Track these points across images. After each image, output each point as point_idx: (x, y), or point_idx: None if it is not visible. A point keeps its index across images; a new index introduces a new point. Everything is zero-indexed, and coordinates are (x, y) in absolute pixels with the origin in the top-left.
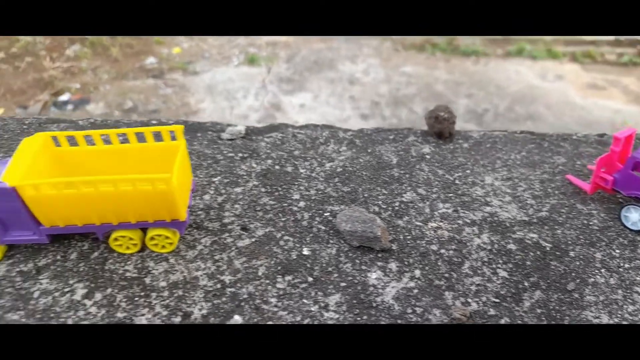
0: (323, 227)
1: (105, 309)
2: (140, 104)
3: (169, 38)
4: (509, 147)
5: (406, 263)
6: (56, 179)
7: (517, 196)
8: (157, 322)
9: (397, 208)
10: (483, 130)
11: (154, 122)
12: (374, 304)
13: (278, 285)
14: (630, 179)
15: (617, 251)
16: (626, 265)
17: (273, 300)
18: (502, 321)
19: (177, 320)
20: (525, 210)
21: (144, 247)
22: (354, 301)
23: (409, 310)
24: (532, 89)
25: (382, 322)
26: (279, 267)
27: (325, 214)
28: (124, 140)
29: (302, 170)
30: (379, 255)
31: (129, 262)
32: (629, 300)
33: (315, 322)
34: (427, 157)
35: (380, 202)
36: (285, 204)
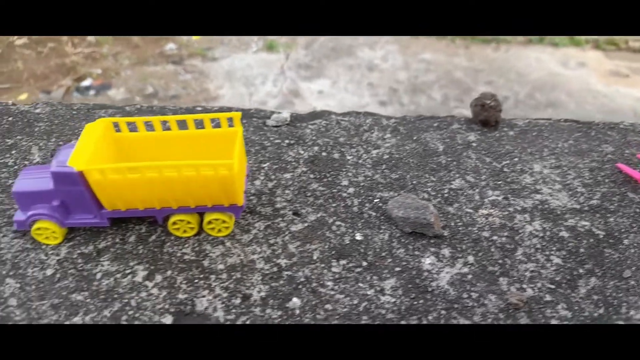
0: (374, 213)
1: (166, 290)
2: (161, 90)
3: None
4: (555, 135)
5: (459, 249)
6: (122, 164)
7: (567, 184)
8: (218, 304)
9: (446, 195)
10: (528, 119)
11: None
12: (430, 289)
13: (333, 269)
14: None
15: None
16: None
17: (329, 283)
18: (559, 307)
19: (237, 302)
20: (575, 198)
21: (199, 231)
22: (410, 285)
23: (465, 295)
24: (553, 77)
25: (439, 307)
26: (333, 252)
27: (375, 200)
28: (167, 128)
29: (349, 157)
30: (432, 241)
31: (186, 245)
32: None
33: (373, 306)
34: (474, 144)
35: (429, 189)
36: (335, 190)
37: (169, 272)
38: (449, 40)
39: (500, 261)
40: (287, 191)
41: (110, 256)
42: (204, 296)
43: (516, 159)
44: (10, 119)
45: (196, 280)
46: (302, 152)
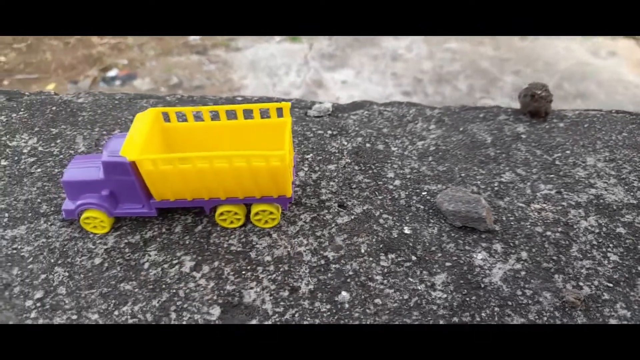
0: (422, 206)
1: (214, 281)
2: (185, 80)
3: None
4: (608, 127)
5: (511, 244)
6: (174, 154)
7: (622, 178)
8: (266, 296)
9: (496, 188)
10: (578, 110)
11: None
12: (482, 285)
13: (382, 263)
14: None
15: None
16: None
17: (378, 277)
18: (618, 306)
19: (285, 294)
20: (632, 193)
21: (245, 222)
22: (461, 281)
23: (519, 292)
24: (582, 66)
25: (492, 304)
26: (381, 245)
27: (423, 193)
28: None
29: (393, 149)
30: (483, 236)
31: (232, 236)
32: None
33: (424, 301)
34: (523, 136)
35: (478, 182)
36: (381, 182)
37: (216, 263)
38: None
39: (554, 257)
40: (331, 183)
41: (157, 246)
42: (251, 288)
43: (568, 152)
44: (54, 108)
45: (243, 272)
46: (345, 143)
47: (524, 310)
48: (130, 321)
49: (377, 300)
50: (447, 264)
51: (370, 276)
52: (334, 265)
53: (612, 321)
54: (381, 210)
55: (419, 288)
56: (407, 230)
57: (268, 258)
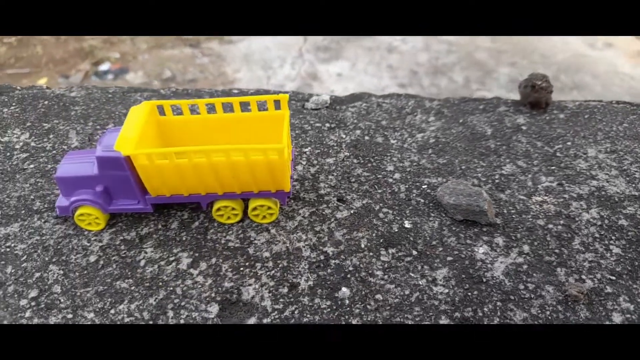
0: (422, 200)
1: (211, 278)
2: (179, 74)
3: None
4: (608, 118)
5: (513, 238)
6: (170, 148)
7: (623, 169)
8: (265, 293)
9: (497, 181)
10: (579, 101)
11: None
12: (484, 279)
13: (382, 258)
14: None
15: None
16: None
17: (379, 273)
18: (621, 299)
19: (284, 291)
20: (634, 185)
21: (243, 217)
22: (463, 276)
23: (521, 287)
24: (578, 58)
25: (494, 298)
26: (381, 240)
27: (423, 186)
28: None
29: (393, 141)
30: (484, 229)
31: (230, 232)
32: None
33: (425, 297)
34: (523, 128)
35: (479, 174)
36: (380, 176)
37: (213, 260)
38: None
39: (557, 251)
40: (330, 177)
41: (153, 243)
42: (250, 285)
43: (569, 143)
44: (46, 102)
45: (242, 269)
46: (344, 136)
47: (527, 305)
48: (127, 320)
49: (378, 296)
50: (449, 258)
51: (370, 271)
52: (333, 261)
53: (615, 314)
54: (381, 204)
55: (420, 283)
56: (407, 225)
57: (267, 254)
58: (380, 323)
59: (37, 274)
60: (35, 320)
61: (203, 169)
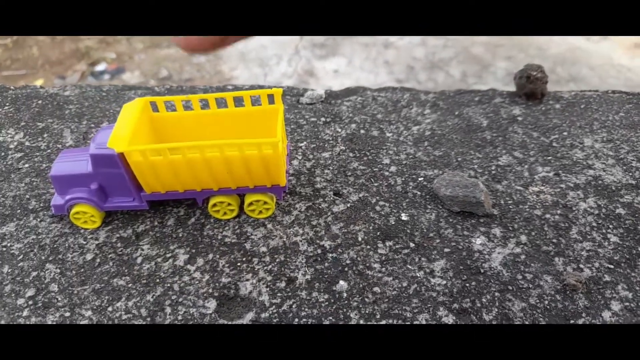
0: (418, 192)
1: (209, 274)
2: (175, 73)
3: None
4: (604, 107)
5: (510, 228)
6: (163, 144)
7: (620, 158)
8: (263, 287)
9: (494, 172)
10: (574, 91)
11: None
12: (482, 270)
13: (379, 251)
14: None
15: None
16: None
17: (376, 265)
18: (619, 287)
19: (281, 285)
20: (631, 173)
21: (239, 213)
22: (461, 267)
23: (519, 277)
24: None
25: (492, 289)
26: (378, 233)
27: (420, 179)
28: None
29: (388, 134)
30: (481, 220)
31: (226, 228)
32: None
33: (423, 288)
34: (519, 119)
35: (475, 166)
36: (376, 169)
37: (210, 256)
38: None
39: (554, 240)
40: (326, 171)
41: (150, 240)
42: (247, 280)
43: (565, 133)
44: (39, 102)
45: (239, 264)
46: (339, 130)
47: (525, 295)
48: (124, 317)
49: (376, 289)
50: (446, 250)
51: (368, 264)
52: (330, 255)
53: (614, 303)
54: (377, 198)
55: (418, 275)
56: (404, 217)
57: (263, 249)
58: (379, 316)
59: (34, 273)
60: (33, 319)
61: (197, 165)
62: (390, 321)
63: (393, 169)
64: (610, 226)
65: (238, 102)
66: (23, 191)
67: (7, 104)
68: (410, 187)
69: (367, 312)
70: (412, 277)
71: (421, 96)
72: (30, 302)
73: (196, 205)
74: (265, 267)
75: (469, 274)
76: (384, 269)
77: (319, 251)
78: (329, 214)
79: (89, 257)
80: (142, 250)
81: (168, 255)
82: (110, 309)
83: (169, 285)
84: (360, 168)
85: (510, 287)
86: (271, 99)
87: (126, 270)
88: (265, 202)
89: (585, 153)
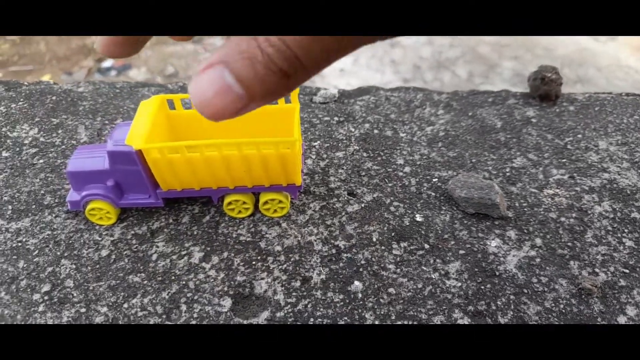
0: (433, 193)
1: (224, 272)
2: (181, 70)
3: None
4: (619, 110)
5: (525, 231)
6: (181, 142)
7: (635, 162)
8: (278, 286)
9: (508, 174)
10: (588, 93)
11: None
12: (497, 273)
13: (394, 252)
14: None
15: None
16: None
17: (391, 266)
18: (634, 292)
19: (296, 284)
20: None
21: (254, 211)
22: (476, 269)
23: (534, 280)
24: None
25: (508, 292)
26: (393, 233)
27: (434, 180)
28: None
29: (402, 135)
30: (496, 222)
31: (241, 226)
32: None
33: (438, 290)
34: (533, 120)
35: (489, 167)
36: (390, 169)
37: (225, 254)
38: None
39: (569, 244)
40: (340, 170)
41: (165, 237)
42: (262, 278)
43: (580, 136)
44: (54, 98)
45: (254, 262)
46: (352, 129)
47: (540, 298)
48: (140, 314)
49: (391, 290)
50: (461, 251)
51: (382, 265)
52: (345, 255)
53: (630, 308)
54: (392, 198)
55: (433, 277)
56: (418, 218)
57: (278, 248)
58: (394, 317)
59: (50, 269)
60: (49, 315)
61: (215, 163)
62: (406, 322)
63: (407, 169)
64: (626, 230)
65: None
66: (38, 187)
67: (22, 100)
68: (425, 188)
69: (382, 312)
70: (427, 278)
71: (434, 96)
72: (46, 298)
73: (211, 203)
74: (280, 266)
75: (484, 277)
76: (398, 270)
77: (334, 251)
78: (343, 213)
79: (104, 253)
80: (157, 247)
81: (183, 253)
82: (125, 305)
83: (184, 282)
84: (374, 168)
85: (525, 290)
86: (287, 97)
87: (141, 267)
88: (280, 201)
89: (600, 156)
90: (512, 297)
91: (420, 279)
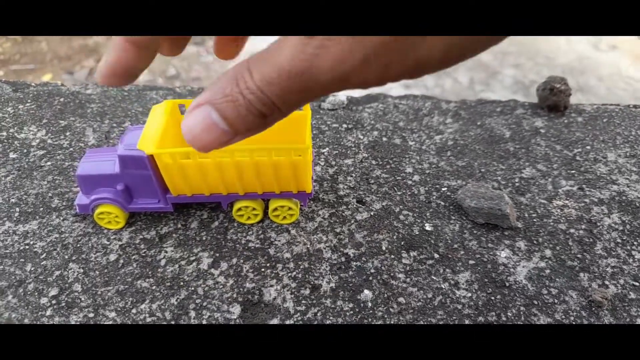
0: (442, 203)
1: (233, 278)
2: (183, 71)
3: None
4: (627, 122)
5: (535, 242)
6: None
7: None
8: (287, 294)
9: (517, 184)
10: (596, 104)
11: None
12: (507, 284)
13: (404, 261)
14: None
15: None
16: None
17: (401, 275)
18: None
19: (306, 292)
20: None
21: (263, 218)
22: (485, 280)
23: (544, 291)
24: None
25: (518, 303)
26: (402, 242)
27: (443, 189)
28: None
29: (411, 143)
30: (505, 233)
31: (250, 233)
32: None
33: (448, 300)
34: (542, 131)
35: (499, 177)
36: (399, 177)
37: (234, 260)
38: None
39: (579, 256)
40: (349, 178)
41: (173, 242)
42: (271, 286)
43: (588, 147)
44: (61, 99)
45: (263, 269)
46: (361, 136)
47: (550, 310)
48: (149, 319)
49: (401, 299)
50: (471, 262)
51: (392, 274)
52: (355, 263)
53: None
54: (401, 207)
55: (443, 287)
56: (428, 227)
57: (287, 255)
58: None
59: (57, 272)
60: (57, 319)
61: (226, 169)
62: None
63: (416, 178)
64: (635, 243)
65: None
66: (45, 189)
67: (29, 101)
68: (434, 197)
69: (392, 322)
70: (437, 288)
71: (442, 105)
72: (53, 302)
73: (219, 208)
74: (289, 274)
75: (494, 287)
76: (408, 280)
77: (343, 259)
78: (352, 221)
79: (112, 257)
80: (166, 252)
81: (192, 259)
82: (134, 310)
83: (193, 288)
84: (383, 176)
85: (535, 302)
86: None
87: (150, 272)
88: (289, 208)
89: (609, 168)
90: (522, 308)
91: (430, 288)
